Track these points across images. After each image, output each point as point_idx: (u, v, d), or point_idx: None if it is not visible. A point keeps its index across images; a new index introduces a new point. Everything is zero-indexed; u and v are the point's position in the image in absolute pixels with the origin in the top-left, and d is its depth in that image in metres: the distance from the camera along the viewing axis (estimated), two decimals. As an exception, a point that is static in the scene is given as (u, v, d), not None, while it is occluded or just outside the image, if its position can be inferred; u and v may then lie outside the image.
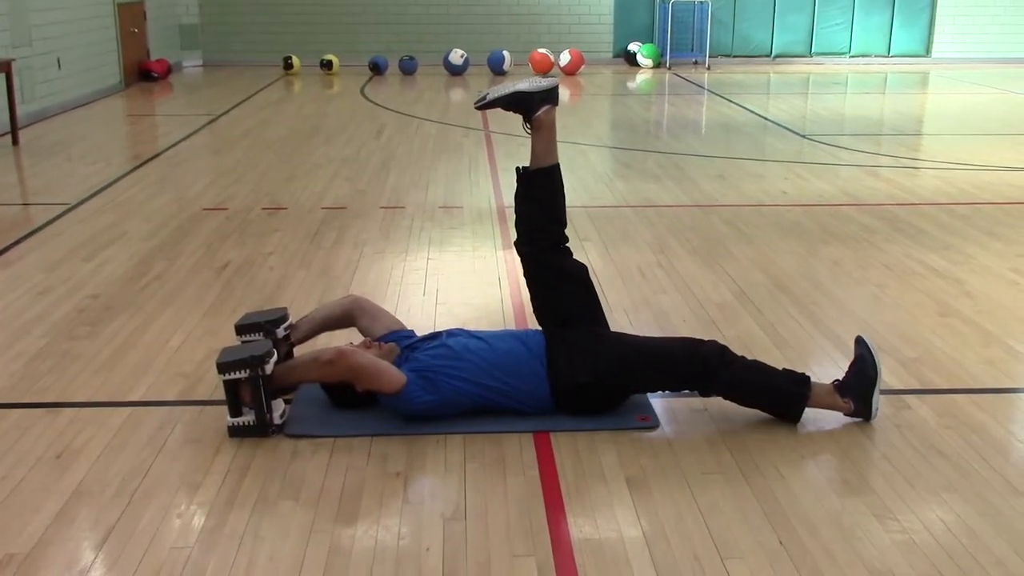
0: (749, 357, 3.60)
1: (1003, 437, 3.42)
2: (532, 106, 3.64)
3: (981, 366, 4.03)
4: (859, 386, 3.50)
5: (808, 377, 3.52)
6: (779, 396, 3.49)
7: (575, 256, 3.80)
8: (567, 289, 3.70)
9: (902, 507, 2.97)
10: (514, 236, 3.82)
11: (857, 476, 3.16)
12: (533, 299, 3.78)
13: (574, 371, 3.47)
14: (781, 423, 3.51)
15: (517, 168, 3.79)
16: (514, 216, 3.82)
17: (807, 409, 3.52)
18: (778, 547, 2.77)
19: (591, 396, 3.49)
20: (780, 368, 3.56)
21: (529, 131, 3.72)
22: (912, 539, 2.81)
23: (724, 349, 3.52)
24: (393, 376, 3.41)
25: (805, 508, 2.97)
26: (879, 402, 3.51)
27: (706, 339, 3.60)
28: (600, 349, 3.52)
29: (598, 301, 3.76)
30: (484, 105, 3.69)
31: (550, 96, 3.65)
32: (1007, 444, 3.38)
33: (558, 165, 3.75)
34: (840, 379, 3.55)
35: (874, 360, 3.51)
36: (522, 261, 3.80)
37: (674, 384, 3.53)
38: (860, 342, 3.59)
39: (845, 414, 3.52)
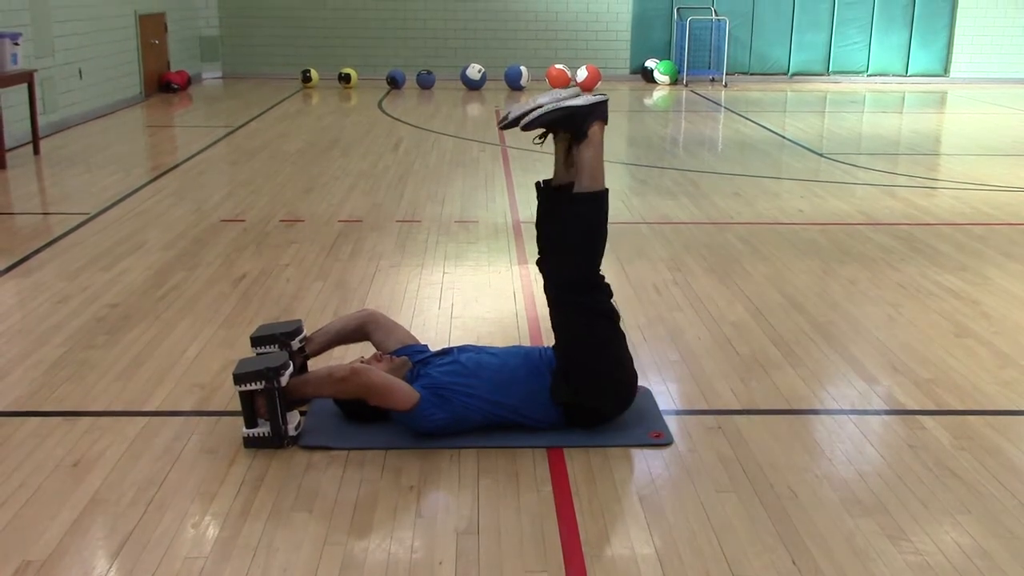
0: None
1: (1019, 459, 3.40)
2: (584, 124, 3.46)
3: (997, 387, 4.02)
4: (576, 119, 3.46)
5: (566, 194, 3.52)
6: (587, 219, 3.50)
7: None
8: (595, 333, 3.54)
9: (916, 529, 2.96)
10: (531, 252, 3.78)
11: (871, 497, 3.16)
12: (551, 314, 3.68)
13: (560, 392, 3.48)
14: (796, 441, 3.51)
15: (537, 183, 3.61)
16: (541, 253, 3.61)
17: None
18: (791, 567, 2.77)
19: (586, 412, 3.49)
20: (560, 220, 3.56)
21: (539, 142, 3.60)
22: (926, 561, 2.80)
23: (548, 275, 3.55)
24: (406, 394, 3.42)
25: (818, 528, 2.96)
26: (584, 97, 3.50)
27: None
28: (573, 369, 3.50)
29: (618, 341, 3.60)
30: (528, 124, 3.48)
31: (602, 112, 3.50)
32: (1023, 467, 3.36)
33: (607, 191, 3.55)
34: (573, 139, 3.51)
35: (547, 111, 3.45)
36: (543, 277, 3.63)
37: (602, 322, 3.49)
38: (529, 126, 3.49)
39: (603, 123, 3.51)
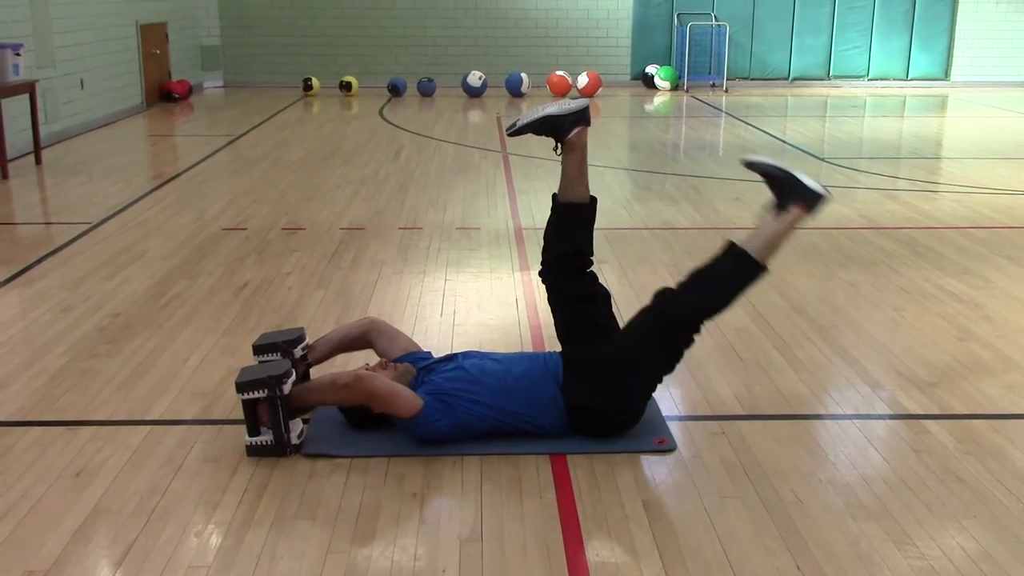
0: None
1: (1023, 463, 3.39)
2: (563, 129, 3.61)
3: (1001, 391, 4.01)
4: (788, 188, 3.46)
5: (730, 241, 3.54)
6: (734, 275, 3.49)
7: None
8: (588, 314, 3.67)
9: (921, 533, 2.96)
10: (533, 259, 3.82)
11: (875, 501, 3.15)
12: (556, 323, 3.77)
13: (579, 393, 3.47)
14: (800, 446, 3.50)
15: (553, 195, 3.75)
16: (542, 243, 3.80)
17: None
18: (795, 572, 2.76)
19: (598, 419, 3.48)
20: (709, 258, 3.56)
21: (559, 154, 3.69)
22: (931, 565, 2.79)
23: (666, 289, 3.54)
24: (409, 400, 3.42)
25: (823, 533, 2.95)
26: (814, 180, 3.48)
27: (652, 298, 3.57)
28: (608, 369, 3.49)
29: (618, 325, 3.75)
30: (515, 131, 3.66)
31: (581, 117, 3.62)
32: (1027, 470, 3.35)
33: (594, 201, 3.72)
34: (772, 203, 3.53)
35: (773, 164, 3.49)
36: (546, 288, 3.78)
37: (663, 354, 3.48)
38: (751, 165, 3.56)
39: (809, 212, 3.48)
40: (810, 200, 3.48)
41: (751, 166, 3.61)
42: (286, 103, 14.13)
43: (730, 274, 3.51)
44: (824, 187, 3.50)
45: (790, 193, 3.49)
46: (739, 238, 3.54)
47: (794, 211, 3.47)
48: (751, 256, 3.49)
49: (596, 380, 3.47)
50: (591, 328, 3.67)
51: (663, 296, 3.55)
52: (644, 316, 3.56)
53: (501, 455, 3.41)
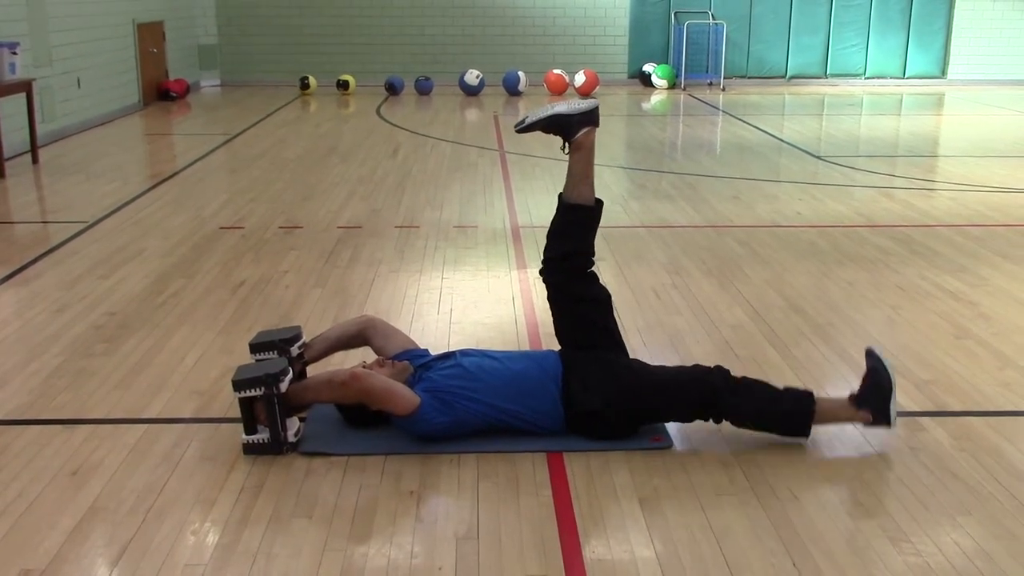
0: (761, 377, 3.61)
1: (1019, 460, 3.40)
2: (571, 128, 3.60)
3: (996, 389, 4.02)
4: (875, 397, 3.46)
5: (811, 392, 3.51)
6: (785, 416, 3.48)
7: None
8: (589, 316, 3.68)
9: (916, 530, 2.96)
10: (530, 257, 3.81)
11: (871, 498, 3.15)
12: (555, 322, 3.77)
13: (587, 397, 3.47)
14: (794, 443, 3.50)
15: (559, 194, 3.73)
16: (543, 241, 3.79)
17: (824, 427, 3.52)
18: (791, 569, 2.76)
19: (602, 423, 3.48)
20: (782, 387, 3.55)
21: (567, 153, 3.68)
22: (927, 562, 2.80)
23: (728, 374, 3.52)
24: (406, 398, 3.42)
25: (819, 530, 2.96)
26: (896, 410, 3.47)
27: (713, 367, 3.58)
28: (613, 377, 3.51)
29: (617, 327, 3.76)
30: (524, 128, 3.65)
31: (590, 118, 3.62)
32: (1023, 467, 3.36)
33: (599, 204, 3.71)
34: (855, 392, 3.52)
35: (887, 370, 3.47)
36: (546, 287, 3.77)
37: (684, 413, 3.52)
38: (871, 354, 3.56)
39: (864, 425, 3.50)
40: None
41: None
42: (283, 102, 14.12)
43: (784, 413, 3.48)
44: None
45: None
46: (819, 396, 3.52)
47: (862, 414, 3.47)
48: (810, 420, 3.46)
49: (606, 390, 3.47)
50: (591, 329, 3.67)
51: (727, 380, 3.50)
52: (697, 373, 3.54)
53: (498, 453, 3.41)
